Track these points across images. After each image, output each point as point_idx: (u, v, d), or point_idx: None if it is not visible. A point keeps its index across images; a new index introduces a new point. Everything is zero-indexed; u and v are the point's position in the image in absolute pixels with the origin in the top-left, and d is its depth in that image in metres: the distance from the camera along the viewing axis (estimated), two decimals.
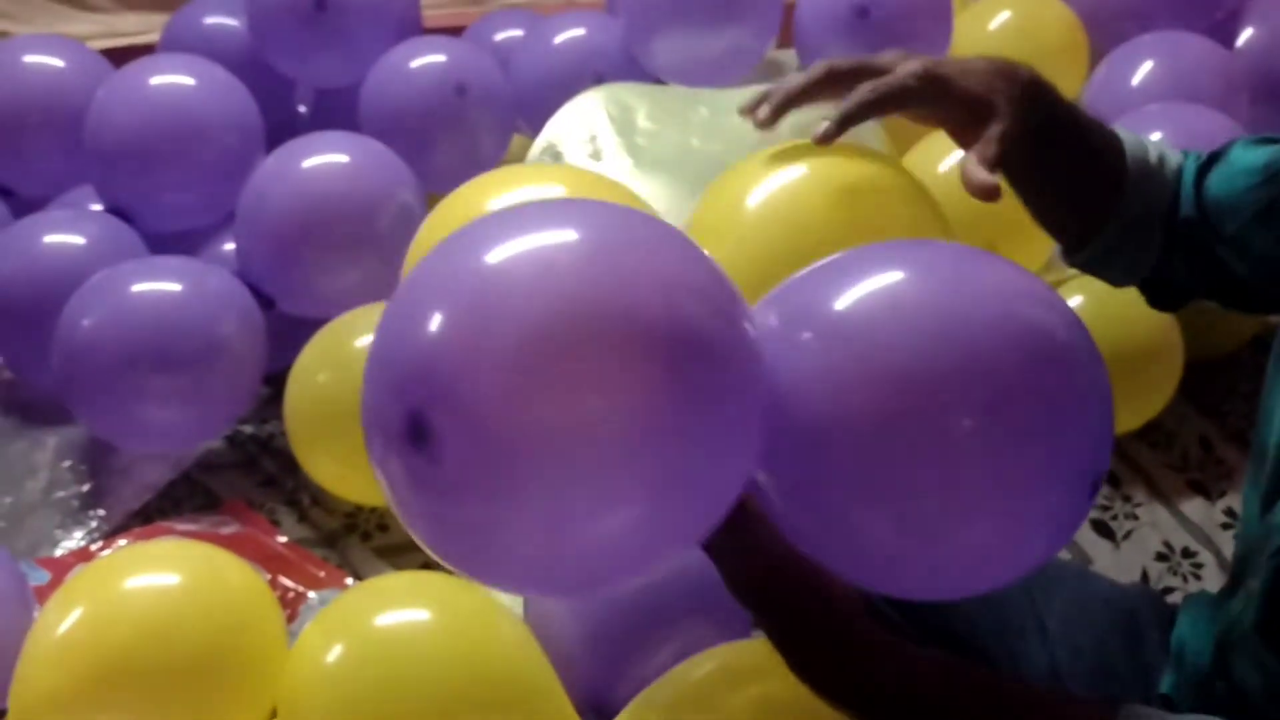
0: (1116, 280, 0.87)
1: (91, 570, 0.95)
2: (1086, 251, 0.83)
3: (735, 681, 0.75)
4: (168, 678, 0.88)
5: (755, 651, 0.76)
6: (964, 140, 0.79)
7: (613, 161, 1.37)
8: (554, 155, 1.44)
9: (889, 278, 0.54)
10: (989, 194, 0.70)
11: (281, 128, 1.63)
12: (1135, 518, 1.36)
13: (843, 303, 0.53)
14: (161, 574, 0.93)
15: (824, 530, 0.55)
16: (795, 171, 0.86)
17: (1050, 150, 0.79)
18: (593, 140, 1.41)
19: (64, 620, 0.88)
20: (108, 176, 1.50)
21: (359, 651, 0.86)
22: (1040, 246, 1.47)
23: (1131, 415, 1.40)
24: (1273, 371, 0.77)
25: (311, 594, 1.19)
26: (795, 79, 0.82)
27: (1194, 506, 1.37)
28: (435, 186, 1.69)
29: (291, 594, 1.18)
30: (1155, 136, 1.36)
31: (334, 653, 0.86)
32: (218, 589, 0.94)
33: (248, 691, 0.93)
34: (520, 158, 1.53)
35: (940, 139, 1.48)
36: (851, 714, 0.59)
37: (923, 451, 0.51)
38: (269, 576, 1.19)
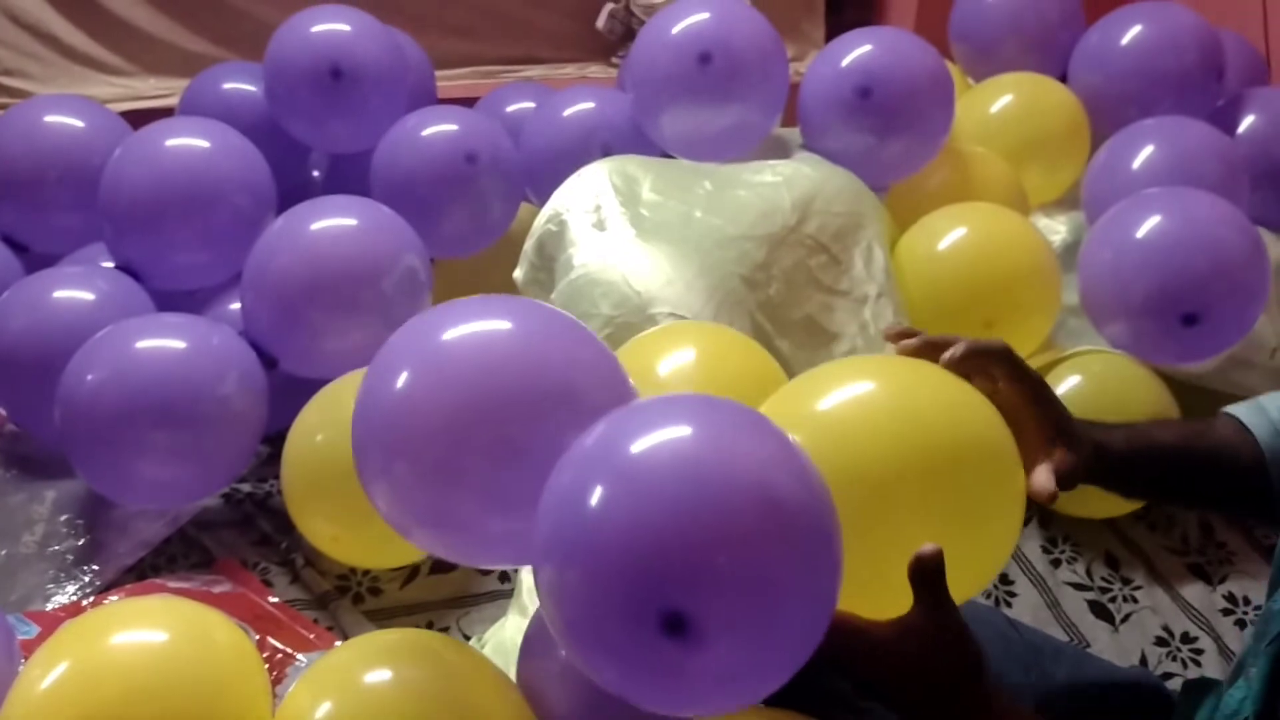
0: None
1: (77, 625, 0.95)
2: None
3: None
4: None
5: None
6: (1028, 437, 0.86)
7: (616, 230, 1.39)
8: (559, 224, 1.47)
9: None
10: (1050, 499, 0.83)
11: (295, 191, 1.65)
12: (1134, 600, 1.35)
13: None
14: (148, 630, 0.92)
15: None
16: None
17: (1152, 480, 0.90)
18: (598, 210, 1.43)
19: (48, 675, 0.87)
20: (120, 234, 1.52)
21: (346, 708, 0.85)
22: (1038, 324, 1.48)
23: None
24: None
25: (300, 656, 1.18)
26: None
27: (1194, 591, 1.36)
28: (444, 252, 1.72)
29: (280, 655, 1.17)
30: (1154, 220, 1.37)
31: (322, 710, 0.85)
32: (204, 647, 0.93)
33: None
34: (528, 226, 1.55)
35: (939, 218, 1.51)
36: None
37: None
38: (258, 637, 1.18)
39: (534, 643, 0.94)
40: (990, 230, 1.48)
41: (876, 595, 0.72)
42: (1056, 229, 1.72)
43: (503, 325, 0.76)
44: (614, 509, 0.62)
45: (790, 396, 0.90)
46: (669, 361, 1.11)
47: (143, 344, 1.31)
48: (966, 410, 0.85)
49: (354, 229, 1.44)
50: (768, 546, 0.62)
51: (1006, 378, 0.86)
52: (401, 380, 0.75)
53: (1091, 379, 1.38)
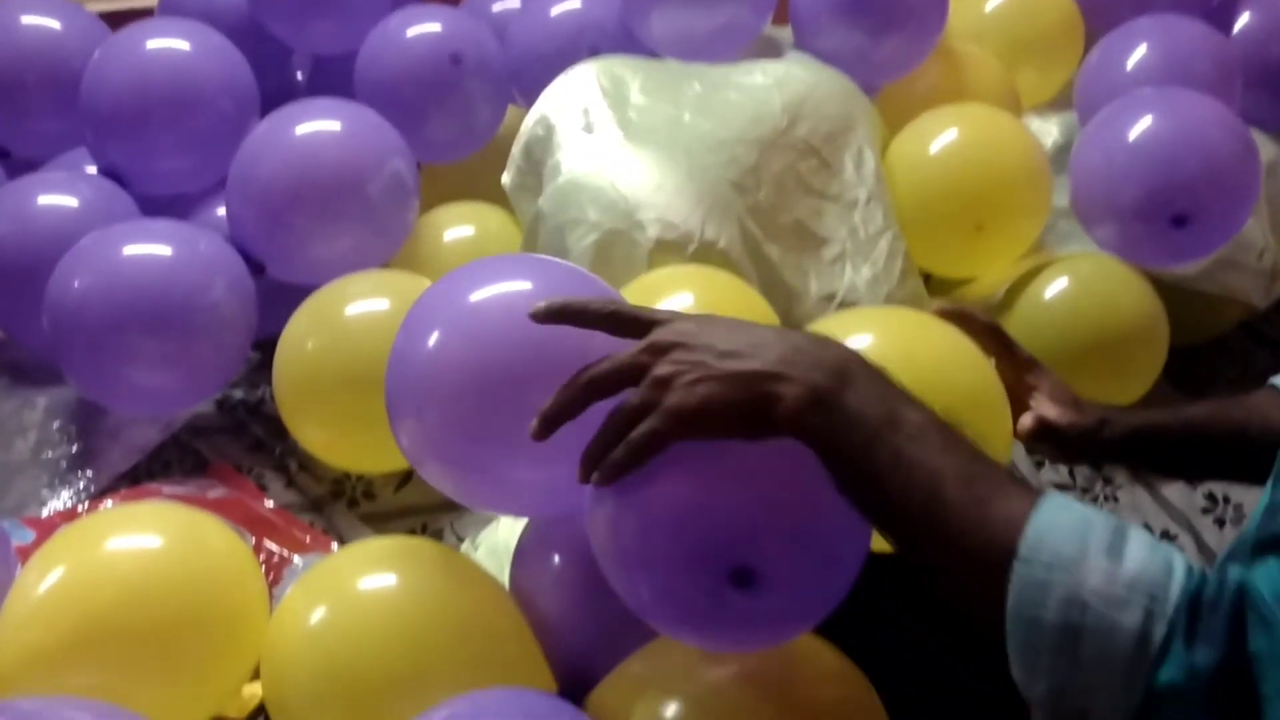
0: None
1: (73, 530, 0.96)
2: None
3: (715, 656, 0.78)
4: (148, 638, 0.88)
5: None
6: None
7: (604, 134, 1.37)
8: (546, 127, 1.45)
9: None
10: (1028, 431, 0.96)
11: (278, 94, 1.63)
12: (1115, 500, 1.37)
13: None
14: (143, 535, 0.94)
15: None
16: None
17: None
18: (585, 113, 1.41)
19: (44, 580, 0.89)
20: (102, 139, 1.50)
21: (341, 613, 0.87)
22: (1028, 226, 1.48)
23: (1116, 398, 1.41)
24: None
25: (296, 558, 1.20)
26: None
27: (1175, 491, 1.38)
28: (431, 156, 1.70)
29: (276, 558, 1.20)
30: (1146, 121, 1.36)
31: (317, 614, 0.86)
32: (200, 551, 0.95)
33: (228, 653, 0.94)
34: (516, 129, 1.53)
35: (931, 121, 1.50)
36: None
37: None
38: (254, 540, 1.20)
39: (528, 550, 0.96)
40: (982, 133, 1.47)
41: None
42: (1049, 130, 1.70)
43: (526, 285, 0.80)
44: (682, 468, 0.67)
45: None
46: (668, 305, 1.16)
47: (130, 250, 1.31)
48: (957, 356, 0.90)
49: (339, 133, 1.43)
50: (823, 497, 0.65)
51: (999, 352, 0.95)
52: (433, 339, 0.79)
53: (1080, 281, 1.38)
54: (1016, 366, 0.99)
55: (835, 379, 0.63)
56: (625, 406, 0.66)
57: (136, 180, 1.51)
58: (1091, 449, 0.95)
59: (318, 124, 1.43)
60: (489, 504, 0.93)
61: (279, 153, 1.41)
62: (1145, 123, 1.37)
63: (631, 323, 0.68)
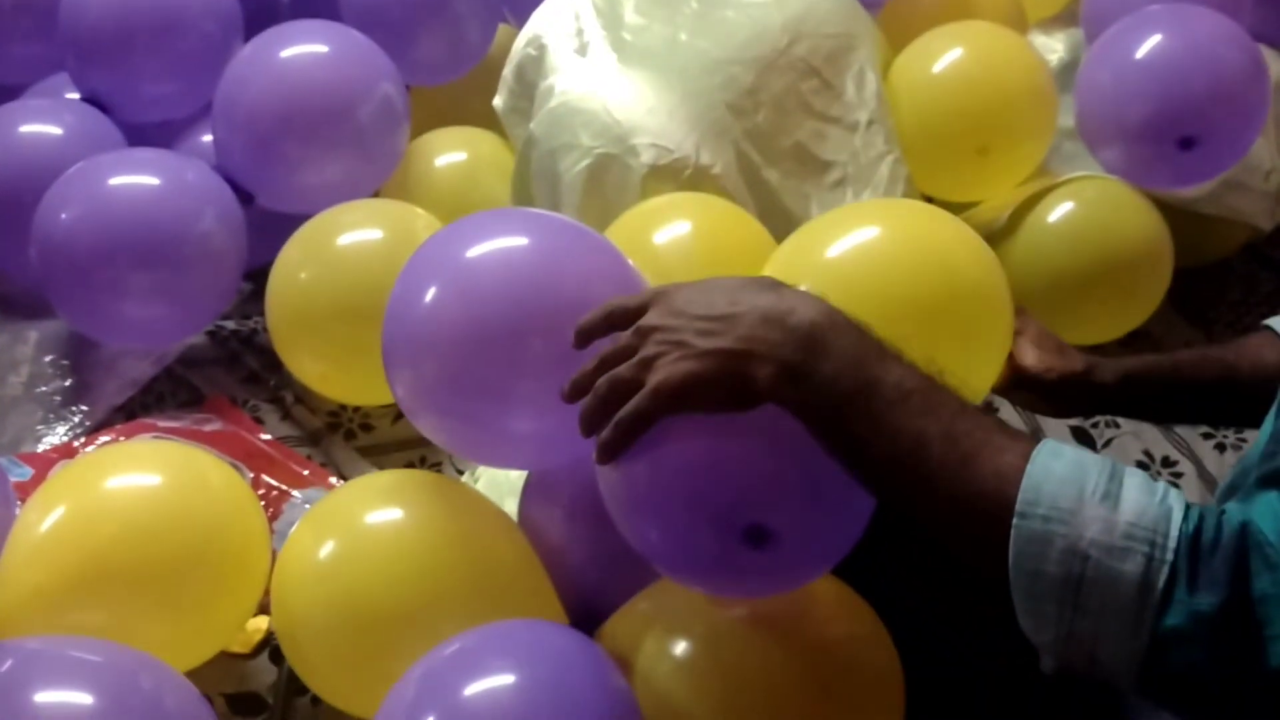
0: None
1: (72, 469, 0.96)
2: None
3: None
4: (150, 576, 0.88)
5: None
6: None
7: (597, 55, 1.34)
8: (539, 48, 1.41)
9: None
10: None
11: (261, 16, 1.58)
12: (1117, 425, 1.36)
13: None
14: (142, 474, 0.93)
15: None
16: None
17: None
18: (579, 34, 1.37)
19: (46, 518, 0.88)
20: (83, 64, 1.46)
21: (350, 547, 0.87)
22: (1033, 149, 1.45)
23: (1119, 322, 1.40)
24: None
25: (295, 492, 1.19)
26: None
27: None
28: (420, 79, 1.65)
29: (275, 492, 1.19)
30: (1154, 40, 1.33)
31: (326, 549, 0.87)
32: (199, 488, 0.95)
33: (230, 589, 0.94)
34: (507, 50, 1.50)
35: (934, 39, 1.46)
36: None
37: None
38: (252, 475, 1.19)
39: (536, 484, 0.96)
40: (986, 52, 1.43)
41: None
42: (1054, 47, 1.66)
43: (520, 241, 0.83)
44: (692, 431, 0.67)
45: (799, 246, 0.94)
46: (664, 234, 1.14)
47: (117, 181, 1.28)
48: (962, 250, 0.88)
49: (326, 56, 1.39)
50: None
51: None
52: (430, 294, 0.81)
53: (1084, 205, 1.36)
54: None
55: (805, 349, 0.62)
56: (614, 379, 0.67)
57: (120, 107, 1.47)
58: (1080, 397, 0.94)
59: (304, 47, 1.39)
60: (488, 457, 0.93)
61: (265, 78, 1.38)
62: (1153, 42, 1.33)
63: (626, 315, 0.69)
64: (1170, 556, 0.53)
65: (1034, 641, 0.56)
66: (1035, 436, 1.30)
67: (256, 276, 1.39)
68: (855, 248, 0.91)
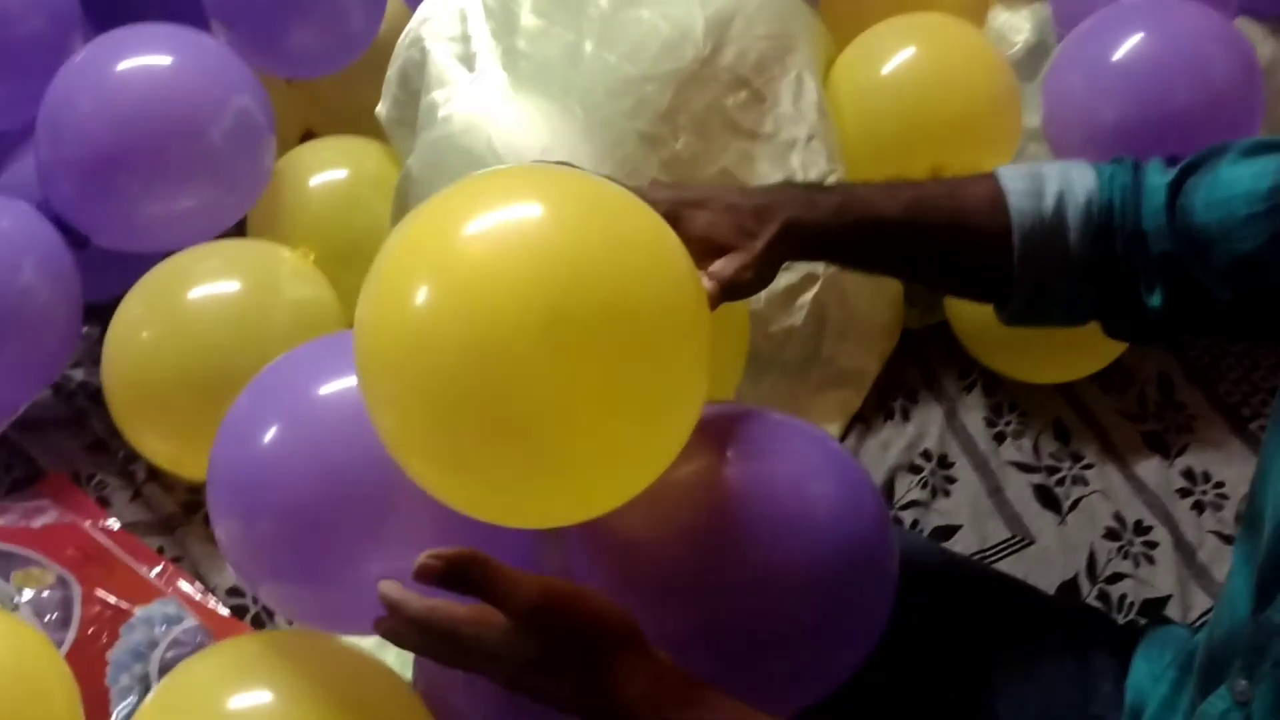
0: (1060, 325, 0.80)
1: None
2: (1006, 312, 0.79)
3: None
4: None
5: None
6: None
7: (486, 72, 1.14)
8: (421, 51, 1.21)
9: None
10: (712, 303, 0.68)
11: (110, 11, 1.35)
12: (1085, 482, 1.22)
13: None
14: None
15: None
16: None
17: (873, 252, 0.78)
18: (465, 40, 1.17)
19: None
20: None
21: None
22: (994, 163, 1.27)
23: (1093, 359, 1.26)
24: (1273, 426, 0.66)
25: (136, 610, 1.02)
26: None
27: (1150, 468, 1.23)
28: (297, 71, 1.45)
29: (110, 612, 1.01)
30: (1133, 39, 1.16)
31: None
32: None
33: None
34: (400, 29, 1.28)
35: (883, 35, 1.27)
36: None
37: None
38: (83, 590, 1.02)
39: None
40: (942, 51, 1.25)
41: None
42: (1019, 27, 1.47)
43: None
44: None
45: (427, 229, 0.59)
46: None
47: None
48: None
49: (169, 68, 1.18)
50: None
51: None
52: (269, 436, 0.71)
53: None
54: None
55: None
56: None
57: None
58: (795, 256, 0.75)
59: (143, 57, 1.18)
60: (345, 624, 0.75)
61: (98, 95, 1.16)
62: (1132, 41, 1.17)
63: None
64: None
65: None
66: (998, 493, 1.18)
67: (106, 314, 1.18)
68: None
